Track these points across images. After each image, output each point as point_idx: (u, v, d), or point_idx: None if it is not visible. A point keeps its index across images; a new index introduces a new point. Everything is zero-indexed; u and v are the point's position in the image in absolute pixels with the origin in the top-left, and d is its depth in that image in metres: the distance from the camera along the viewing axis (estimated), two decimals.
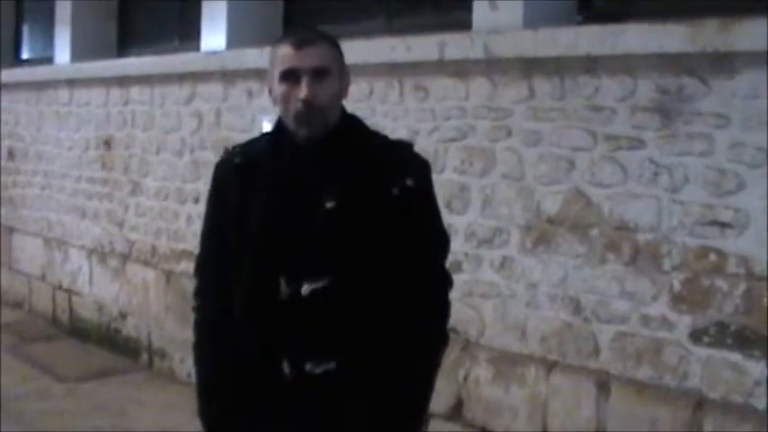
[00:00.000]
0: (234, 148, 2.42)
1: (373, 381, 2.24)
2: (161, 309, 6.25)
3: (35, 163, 8.02)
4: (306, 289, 2.20)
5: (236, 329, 2.28)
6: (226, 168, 2.38)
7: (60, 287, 7.50)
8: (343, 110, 2.31)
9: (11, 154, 8.45)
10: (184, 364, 5.93)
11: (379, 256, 2.22)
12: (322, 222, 2.20)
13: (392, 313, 2.24)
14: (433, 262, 2.34)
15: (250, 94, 5.52)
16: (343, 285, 2.21)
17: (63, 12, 7.60)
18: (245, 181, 2.29)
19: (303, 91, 2.17)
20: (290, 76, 2.19)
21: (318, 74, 2.19)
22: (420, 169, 2.33)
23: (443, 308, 2.35)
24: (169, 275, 6.17)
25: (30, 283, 7.99)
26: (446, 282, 2.37)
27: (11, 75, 8.49)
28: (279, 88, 2.22)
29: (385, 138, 2.39)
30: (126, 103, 6.73)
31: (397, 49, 4.41)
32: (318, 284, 2.20)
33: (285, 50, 2.21)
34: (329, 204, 2.20)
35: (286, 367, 2.22)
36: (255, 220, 2.25)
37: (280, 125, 2.31)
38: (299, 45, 2.19)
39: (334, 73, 2.24)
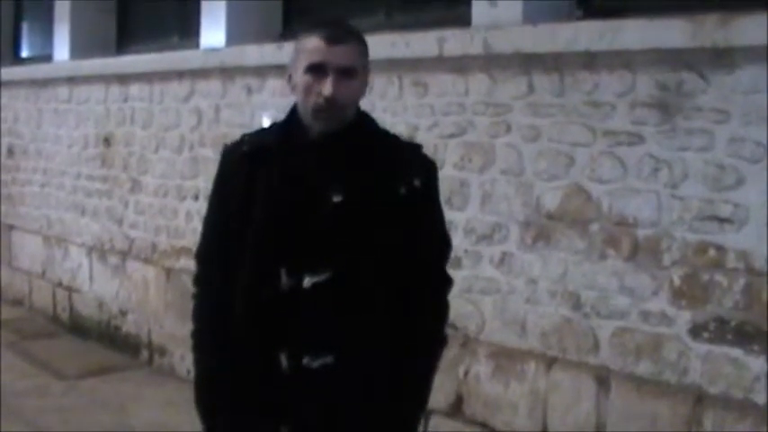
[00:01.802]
0: (243, 136, 2.41)
1: (371, 377, 2.25)
2: (161, 306, 6.25)
3: (35, 160, 8.03)
4: (308, 282, 2.20)
5: (235, 320, 2.28)
6: (233, 156, 2.37)
7: (60, 284, 7.51)
8: (357, 107, 2.32)
9: (10, 151, 8.45)
10: (184, 360, 5.93)
11: (382, 253, 2.23)
12: (327, 216, 2.21)
13: (391, 311, 2.25)
14: (433, 263, 2.35)
15: (249, 90, 5.52)
16: (344, 280, 2.21)
17: (62, 9, 7.60)
18: (251, 170, 2.28)
19: (328, 88, 2.17)
20: (317, 70, 2.18)
21: (345, 73, 2.19)
22: (428, 171, 2.35)
23: (442, 309, 2.36)
24: (169, 272, 6.18)
25: (30, 281, 8.00)
26: (445, 283, 2.38)
27: (10, 72, 8.50)
28: (302, 79, 2.21)
29: (395, 137, 2.41)
30: (125, 101, 6.73)
31: (396, 45, 4.40)
32: (320, 278, 2.20)
33: (315, 43, 2.20)
34: (336, 199, 2.20)
35: (284, 360, 2.22)
36: (260, 210, 2.25)
37: (292, 116, 2.30)
38: (330, 41, 2.19)
39: (359, 73, 2.24)
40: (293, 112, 2.30)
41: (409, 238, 2.26)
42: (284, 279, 2.21)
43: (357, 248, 2.22)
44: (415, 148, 2.39)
